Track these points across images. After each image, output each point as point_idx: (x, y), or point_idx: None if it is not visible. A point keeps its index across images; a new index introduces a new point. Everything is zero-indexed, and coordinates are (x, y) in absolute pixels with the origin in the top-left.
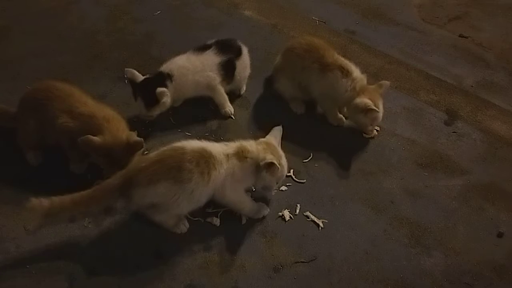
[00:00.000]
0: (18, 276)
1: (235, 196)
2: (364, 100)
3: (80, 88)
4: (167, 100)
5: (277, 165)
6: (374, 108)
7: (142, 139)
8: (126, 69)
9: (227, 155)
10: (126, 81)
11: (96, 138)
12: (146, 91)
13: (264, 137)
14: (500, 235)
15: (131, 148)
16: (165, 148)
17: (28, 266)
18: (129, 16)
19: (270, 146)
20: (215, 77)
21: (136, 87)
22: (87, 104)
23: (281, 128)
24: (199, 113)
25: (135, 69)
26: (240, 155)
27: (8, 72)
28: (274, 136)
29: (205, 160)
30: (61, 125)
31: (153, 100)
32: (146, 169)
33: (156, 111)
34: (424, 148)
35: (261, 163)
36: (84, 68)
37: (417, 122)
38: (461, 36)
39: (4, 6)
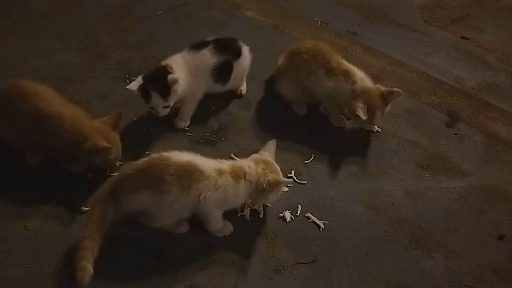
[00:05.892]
0: (18, 276)
1: (212, 211)
2: (357, 104)
3: (80, 87)
4: (178, 86)
5: (281, 183)
6: (360, 115)
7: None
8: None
9: (219, 171)
10: (127, 81)
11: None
12: (157, 82)
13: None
14: (501, 237)
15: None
16: (153, 156)
17: (28, 266)
18: (131, 16)
19: (268, 164)
20: (204, 84)
21: (144, 85)
22: (52, 103)
23: (275, 142)
24: (200, 113)
25: (135, 69)
26: (236, 174)
27: (9, 72)
28: (268, 151)
29: (188, 174)
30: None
31: (167, 88)
32: (131, 176)
33: (173, 99)
34: (425, 150)
35: (265, 184)
36: (86, 68)
37: (419, 123)
38: (463, 38)
39: (5, 6)
